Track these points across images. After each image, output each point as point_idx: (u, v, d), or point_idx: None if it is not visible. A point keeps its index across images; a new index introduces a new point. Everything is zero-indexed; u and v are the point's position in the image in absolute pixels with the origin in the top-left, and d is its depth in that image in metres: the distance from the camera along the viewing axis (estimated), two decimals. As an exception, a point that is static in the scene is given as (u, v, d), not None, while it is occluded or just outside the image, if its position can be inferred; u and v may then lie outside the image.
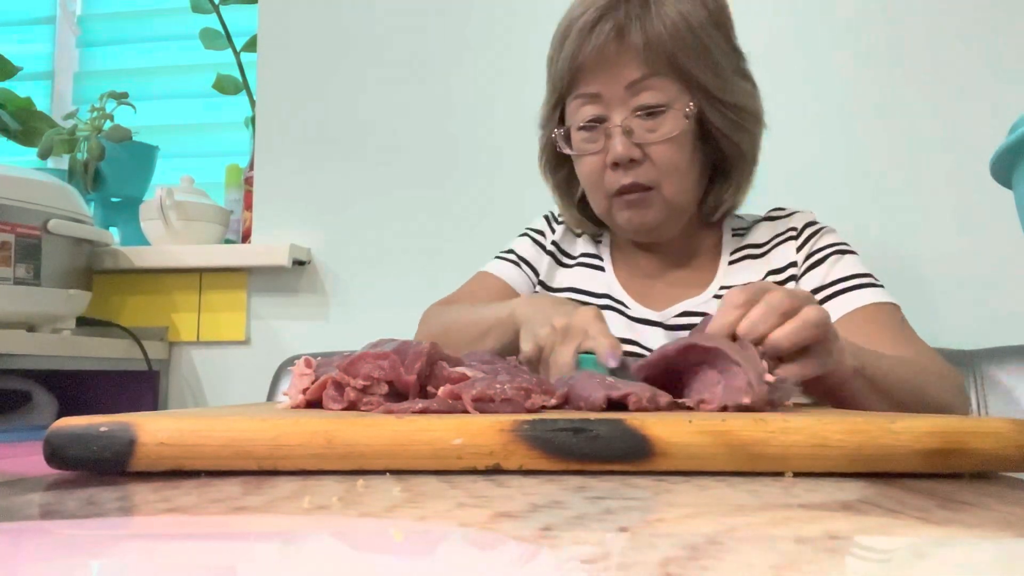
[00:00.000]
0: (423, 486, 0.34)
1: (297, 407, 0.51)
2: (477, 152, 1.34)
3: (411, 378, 0.48)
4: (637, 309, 0.85)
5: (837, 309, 0.77)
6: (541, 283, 0.93)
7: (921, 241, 1.18)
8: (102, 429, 0.37)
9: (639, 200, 0.79)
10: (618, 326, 0.83)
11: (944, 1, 1.20)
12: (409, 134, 1.38)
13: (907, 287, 1.14)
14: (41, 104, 1.62)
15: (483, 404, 0.44)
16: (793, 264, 0.83)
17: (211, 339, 1.41)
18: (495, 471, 0.37)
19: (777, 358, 0.52)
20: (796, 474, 0.37)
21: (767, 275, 0.83)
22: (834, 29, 1.24)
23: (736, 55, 0.81)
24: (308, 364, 0.55)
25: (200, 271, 1.41)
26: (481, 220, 1.32)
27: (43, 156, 1.49)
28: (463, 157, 1.34)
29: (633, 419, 0.37)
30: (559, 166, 0.89)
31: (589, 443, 0.37)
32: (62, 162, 1.58)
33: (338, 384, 0.49)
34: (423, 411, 0.43)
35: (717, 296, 0.83)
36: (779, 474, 0.37)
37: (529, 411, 0.45)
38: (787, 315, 0.52)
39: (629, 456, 0.37)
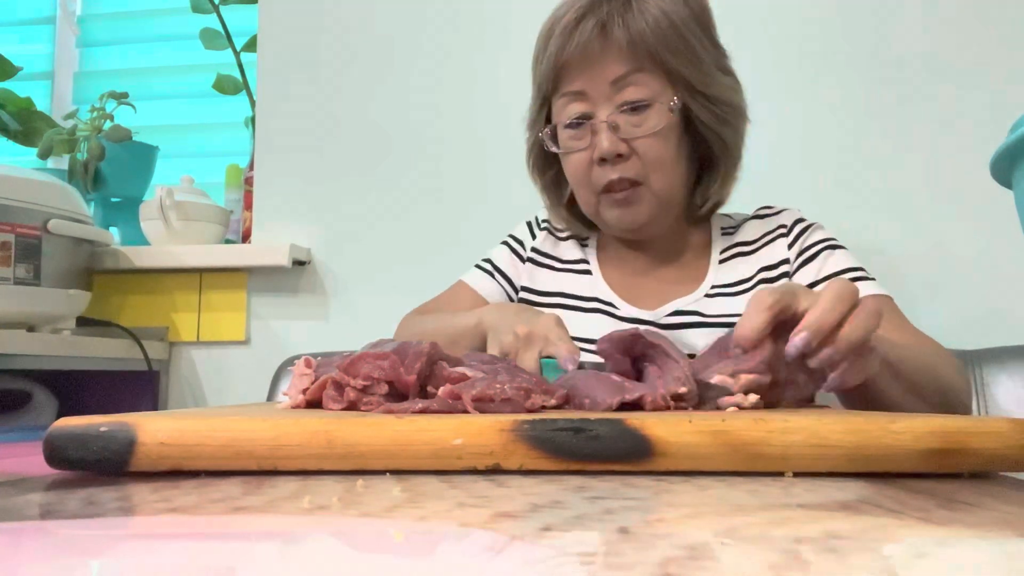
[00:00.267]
0: (423, 486, 0.34)
1: (297, 407, 0.51)
2: (477, 152, 1.34)
3: (411, 378, 0.48)
4: (626, 309, 0.85)
5: None
6: (524, 288, 0.94)
7: (921, 241, 1.18)
8: (102, 429, 0.37)
9: (627, 198, 0.79)
10: (606, 327, 0.83)
11: (944, 1, 1.20)
12: (409, 134, 1.38)
13: (907, 287, 1.14)
14: (41, 104, 1.62)
15: (483, 404, 0.44)
16: (785, 261, 0.84)
17: (211, 339, 1.41)
18: (495, 471, 0.37)
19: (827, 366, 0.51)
20: (796, 474, 0.37)
21: (759, 271, 0.84)
22: (833, 28, 1.24)
23: (718, 51, 0.82)
24: (308, 364, 0.55)
25: (200, 271, 1.41)
26: (481, 220, 1.31)
27: (43, 156, 1.49)
28: (463, 157, 1.34)
29: (633, 419, 0.37)
30: (547, 166, 0.90)
31: (589, 443, 0.37)
32: (62, 162, 1.58)
33: (338, 384, 0.49)
34: (423, 411, 0.43)
35: (708, 295, 0.84)
36: (779, 474, 0.37)
37: (529, 411, 0.45)
38: (851, 307, 0.51)
39: (629, 456, 0.37)
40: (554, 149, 0.83)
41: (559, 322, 0.68)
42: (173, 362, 1.43)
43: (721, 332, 0.79)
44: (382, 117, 1.39)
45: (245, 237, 1.44)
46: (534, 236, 0.97)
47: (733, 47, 0.84)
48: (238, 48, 1.50)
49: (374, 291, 1.36)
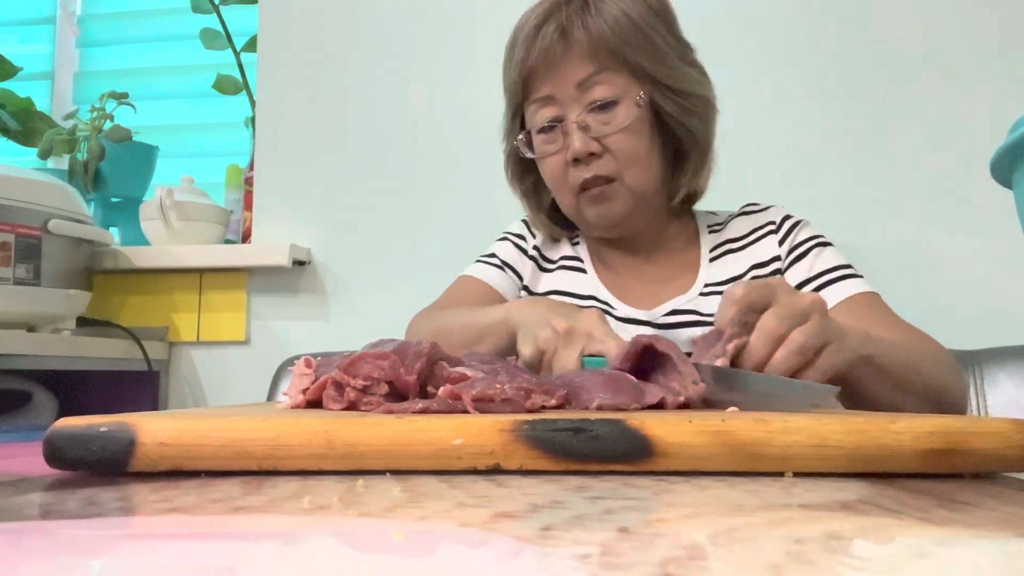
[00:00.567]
0: (423, 486, 0.34)
1: (297, 407, 0.51)
2: (478, 152, 1.34)
3: (411, 378, 0.48)
4: (623, 309, 0.85)
5: (829, 298, 0.78)
6: (525, 288, 0.93)
7: (921, 241, 1.18)
8: (102, 429, 0.37)
9: (603, 193, 0.80)
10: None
11: (945, 0, 1.21)
12: (410, 134, 1.38)
13: (907, 287, 1.14)
14: (41, 104, 1.62)
15: (483, 404, 0.44)
16: (777, 258, 0.84)
17: (211, 339, 1.41)
18: (495, 471, 0.37)
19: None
20: (796, 474, 0.37)
21: (751, 268, 0.84)
22: (833, 27, 1.24)
23: (682, 46, 0.83)
24: (308, 364, 0.55)
25: (200, 271, 1.41)
26: (482, 220, 1.31)
27: (43, 156, 1.49)
28: (464, 157, 1.34)
29: (633, 419, 0.37)
30: (525, 174, 0.91)
31: (589, 443, 0.37)
32: (62, 162, 1.59)
33: (338, 384, 0.49)
34: (423, 411, 0.43)
35: (703, 294, 0.84)
36: (779, 474, 0.37)
37: (529, 411, 0.45)
38: (779, 340, 0.54)
39: (629, 456, 0.37)
40: (529, 155, 0.84)
41: (602, 318, 0.64)
42: (173, 362, 1.43)
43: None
44: (382, 117, 1.39)
45: (245, 237, 1.44)
46: (534, 235, 0.97)
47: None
48: (238, 48, 1.50)
49: (374, 291, 1.36)
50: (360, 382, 0.48)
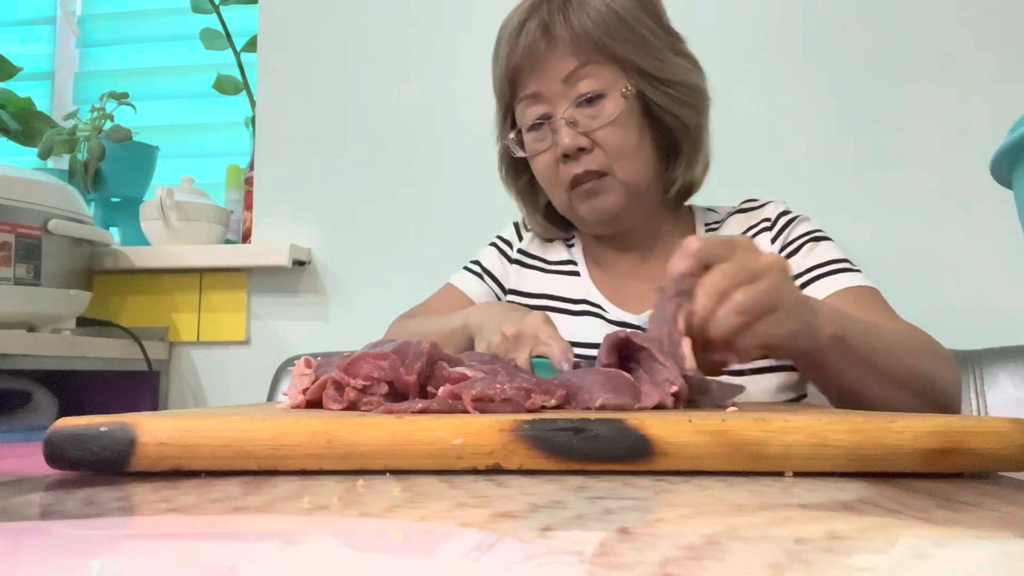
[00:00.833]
0: (423, 486, 0.34)
1: (297, 407, 0.51)
2: (478, 152, 1.33)
3: (411, 378, 0.48)
4: (615, 312, 0.85)
5: (816, 295, 0.76)
6: (512, 291, 0.93)
7: (921, 241, 1.18)
8: (102, 429, 0.37)
9: (595, 188, 0.79)
10: (596, 330, 0.83)
11: (946, 0, 1.21)
12: (410, 134, 1.38)
13: (907, 287, 1.14)
14: (41, 104, 1.62)
15: (483, 404, 0.44)
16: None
17: (211, 339, 1.41)
18: (495, 471, 0.37)
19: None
20: (796, 474, 0.37)
21: None
22: (833, 27, 1.24)
23: (670, 36, 0.82)
24: (308, 364, 0.55)
25: (200, 271, 1.41)
26: (481, 220, 1.31)
27: (43, 156, 1.49)
28: (464, 157, 1.34)
29: (633, 419, 0.37)
30: (519, 174, 0.91)
31: (589, 443, 0.37)
32: (62, 162, 1.59)
33: (338, 384, 0.49)
34: (423, 411, 0.43)
35: None
36: (779, 474, 0.37)
37: (529, 411, 0.45)
38: (723, 298, 0.51)
39: (629, 456, 0.37)
40: (520, 154, 0.84)
41: (547, 320, 0.68)
42: (173, 362, 1.43)
43: None
44: (382, 117, 1.39)
45: (245, 237, 1.44)
46: (520, 237, 0.97)
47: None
48: (238, 48, 1.50)
49: (374, 291, 1.36)
50: (360, 382, 0.48)
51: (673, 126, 0.81)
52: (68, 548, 0.26)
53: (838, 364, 0.60)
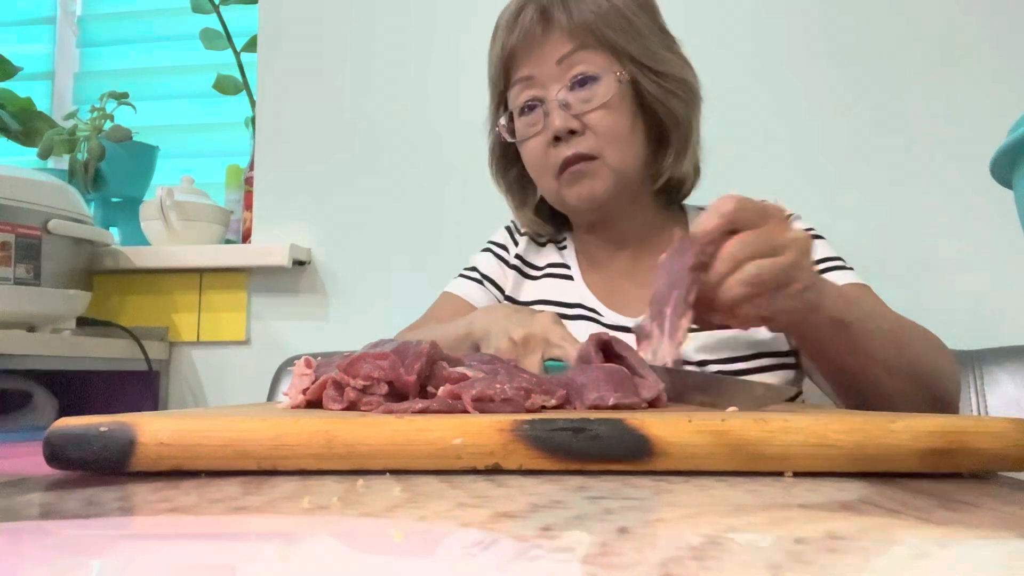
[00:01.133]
0: (423, 486, 0.34)
1: (297, 407, 0.51)
2: (477, 152, 1.33)
3: (411, 378, 0.48)
4: (611, 316, 0.84)
5: None
6: (508, 298, 0.92)
7: (921, 241, 1.18)
8: (102, 429, 0.37)
9: (583, 171, 0.79)
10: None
11: (945, 0, 1.21)
12: (410, 134, 1.38)
13: (907, 287, 1.15)
14: (41, 104, 1.62)
15: (483, 404, 0.44)
16: None
17: (211, 339, 1.41)
18: (495, 471, 0.37)
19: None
20: (796, 474, 0.37)
21: None
22: (833, 27, 1.24)
23: (665, 35, 0.83)
24: (308, 364, 0.55)
25: (200, 271, 1.41)
26: (482, 220, 1.31)
27: (43, 156, 1.49)
28: (463, 157, 1.34)
29: (633, 419, 0.37)
30: (510, 166, 0.91)
31: (589, 443, 0.37)
32: (62, 162, 1.58)
33: (338, 384, 0.49)
34: (423, 411, 0.43)
35: None
36: (779, 474, 0.37)
37: (529, 411, 0.45)
38: (739, 264, 0.52)
39: (629, 456, 0.37)
40: (510, 138, 0.84)
41: (557, 320, 0.66)
42: (173, 362, 1.43)
43: (705, 332, 0.79)
44: (382, 117, 1.39)
45: (245, 237, 1.44)
46: (516, 243, 0.96)
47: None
48: (238, 48, 1.50)
49: (374, 291, 1.36)
50: (360, 382, 0.48)
51: (664, 116, 0.81)
52: (68, 548, 0.26)
53: (838, 346, 0.61)
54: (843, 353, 0.61)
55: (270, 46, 1.44)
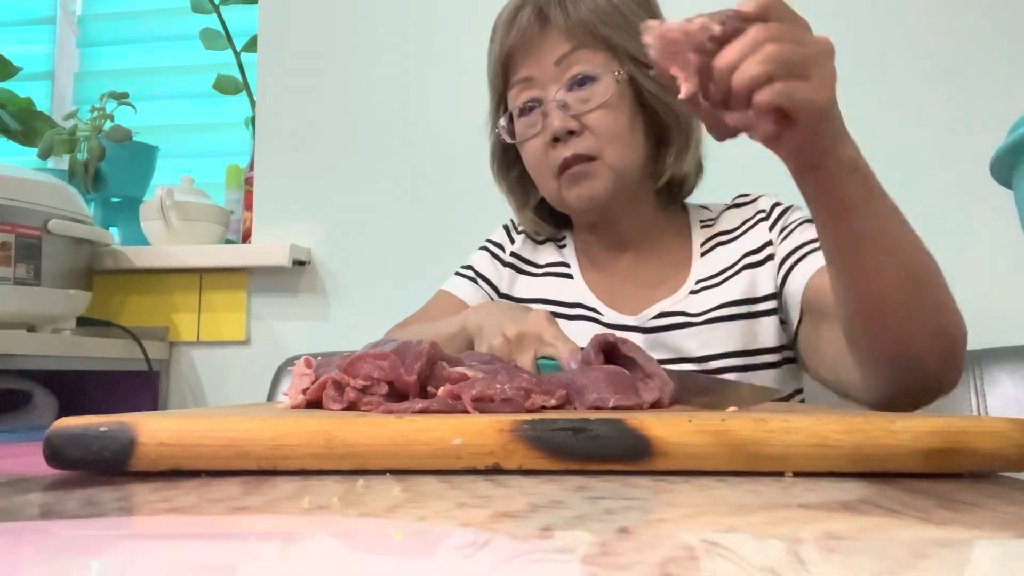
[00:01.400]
0: (423, 486, 0.34)
1: (297, 407, 0.51)
2: (478, 152, 1.33)
3: (411, 378, 0.48)
4: (611, 315, 0.84)
5: (812, 264, 0.76)
6: (503, 296, 0.92)
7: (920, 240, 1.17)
8: (102, 429, 0.37)
9: (583, 172, 0.78)
10: (591, 334, 0.82)
11: (945, 0, 1.21)
12: (410, 134, 1.38)
13: (907, 287, 1.14)
14: (41, 104, 1.62)
15: (483, 404, 0.44)
16: (769, 243, 0.83)
17: (211, 339, 1.41)
18: (495, 471, 0.37)
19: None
20: (796, 474, 0.37)
21: (743, 256, 0.83)
22: (833, 27, 1.24)
23: None
24: (308, 364, 0.55)
25: (200, 271, 1.41)
26: (482, 220, 1.31)
27: (43, 156, 1.49)
28: (464, 157, 1.34)
29: (633, 419, 0.37)
30: (510, 166, 0.91)
31: (589, 443, 0.37)
32: (62, 162, 1.58)
33: (338, 384, 0.49)
34: (423, 411, 0.43)
35: (694, 292, 0.82)
36: (779, 474, 0.37)
37: (529, 411, 0.45)
38: (759, 46, 0.49)
39: (629, 456, 0.37)
40: (510, 139, 0.84)
41: (550, 318, 0.66)
42: (173, 362, 1.43)
43: (706, 328, 0.79)
44: (383, 116, 1.39)
45: (245, 237, 1.44)
46: (512, 240, 0.96)
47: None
48: (238, 48, 1.50)
49: (374, 291, 1.36)
50: (360, 382, 0.48)
51: (664, 114, 0.81)
52: (68, 548, 0.26)
53: (851, 200, 0.57)
54: (857, 211, 0.57)
55: (270, 46, 1.44)
